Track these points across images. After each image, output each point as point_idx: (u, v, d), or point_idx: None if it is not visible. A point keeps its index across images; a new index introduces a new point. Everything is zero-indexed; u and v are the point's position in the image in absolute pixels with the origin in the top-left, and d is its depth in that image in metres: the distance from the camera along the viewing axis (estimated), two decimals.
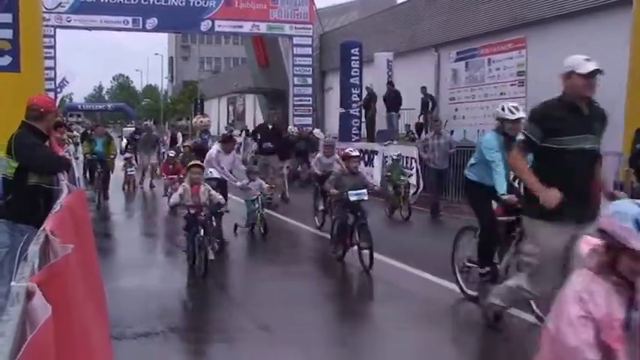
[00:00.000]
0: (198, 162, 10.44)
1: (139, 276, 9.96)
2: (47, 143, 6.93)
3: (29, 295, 2.14)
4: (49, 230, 3.26)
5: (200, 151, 24.27)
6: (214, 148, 12.94)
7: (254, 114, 53.14)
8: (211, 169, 12.09)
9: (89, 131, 23.84)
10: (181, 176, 14.60)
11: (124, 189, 20.82)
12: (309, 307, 8.07)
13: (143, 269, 10.44)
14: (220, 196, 10.18)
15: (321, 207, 13.85)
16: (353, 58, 28.30)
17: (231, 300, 8.55)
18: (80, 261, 3.91)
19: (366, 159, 22.12)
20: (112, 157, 17.79)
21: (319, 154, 15.30)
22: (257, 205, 12.79)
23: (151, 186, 21.99)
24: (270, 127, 19.54)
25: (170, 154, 18.27)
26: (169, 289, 8.87)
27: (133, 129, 34.37)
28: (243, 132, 33.21)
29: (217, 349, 6.58)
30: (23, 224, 6.23)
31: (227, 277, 9.89)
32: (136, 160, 22.90)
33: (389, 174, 16.79)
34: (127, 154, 23.23)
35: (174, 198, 9.71)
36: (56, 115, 7.10)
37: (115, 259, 11.27)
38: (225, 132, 18.13)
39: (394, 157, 17.34)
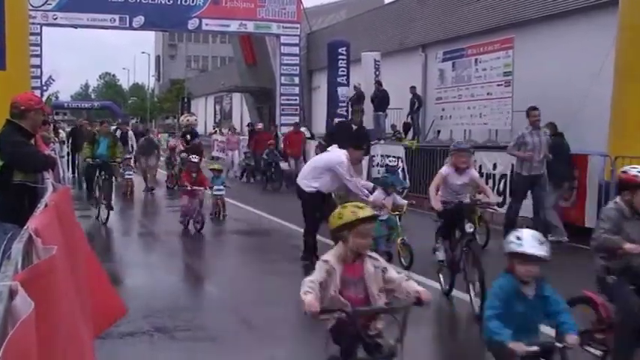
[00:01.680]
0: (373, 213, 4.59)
1: (125, 276, 9.94)
2: (33, 141, 6.89)
3: (12, 294, 2.13)
4: (33, 230, 3.24)
5: (195, 150, 24.20)
6: (341, 154, 10.08)
7: (241, 113, 53.09)
8: (315, 184, 10.07)
9: (86, 127, 23.46)
10: (206, 189, 13.97)
11: (126, 195, 19.19)
12: (295, 306, 8.06)
13: (129, 269, 10.42)
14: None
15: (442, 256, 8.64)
16: (340, 57, 28.33)
17: (216, 299, 8.53)
18: (65, 260, 3.89)
19: None
20: (118, 160, 15.30)
21: (444, 170, 8.71)
22: (384, 228, 10.00)
23: (151, 190, 20.73)
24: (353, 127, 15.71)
25: (193, 159, 14.46)
26: (155, 288, 8.84)
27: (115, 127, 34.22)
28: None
29: (203, 348, 6.56)
30: (7, 222, 6.19)
31: (213, 276, 9.87)
32: (135, 163, 21.51)
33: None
34: (126, 155, 21.50)
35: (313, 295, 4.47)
36: (43, 114, 7.04)
37: (101, 258, 11.22)
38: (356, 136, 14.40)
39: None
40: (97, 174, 14.55)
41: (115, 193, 16.43)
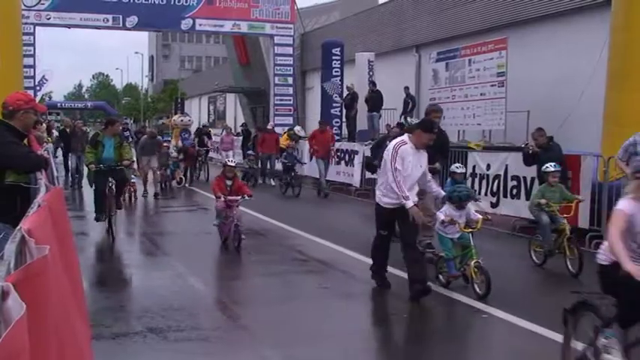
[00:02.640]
0: None
1: (118, 276, 9.92)
2: (26, 141, 6.87)
3: (4, 295, 2.12)
4: (26, 230, 3.23)
5: (186, 153, 24.00)
6: (398, 140, 8.73)
7: (235, 113, 53.07)
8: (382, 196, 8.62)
9: (80, 128, 23.22)
10: (246, 197, 11.56)
11: (130, 201, 17.97)
12: (289, 307, 8.07)
13: (122, 269, 10.40)
14: None
15: None
16: (334, 57, 28.35)
17: (209, 299, 8.52)
18: (59, 260, 3.88)
19: (347, 159, 22.15)
20: (126, 163, 12.90)
21: (627, 206, 5.10)
22: (457, 248, 8.78)
23: (155, 195, 19.45)
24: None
25: (230, 163, 12.27)
26: (148, 289, 8.83)
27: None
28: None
29: (196, 349, 6.55)
30: (0, 223, 6.17)
31: (206, 276, 9.86)
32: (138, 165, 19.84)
33: None
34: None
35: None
36: (35, 113, 7.00)
37: (95, 259, 11.22)
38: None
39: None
40: (108, 182, 12.45)
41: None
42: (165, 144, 21.90)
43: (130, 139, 26.08)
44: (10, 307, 2.09)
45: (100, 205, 12.57)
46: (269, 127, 26.32)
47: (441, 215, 8.64)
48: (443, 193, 8.99)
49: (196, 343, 6.63)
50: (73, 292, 4.39)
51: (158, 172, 20.17)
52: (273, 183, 23.32)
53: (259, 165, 24.67)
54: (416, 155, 8.37)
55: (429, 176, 8.87)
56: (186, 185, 22.91)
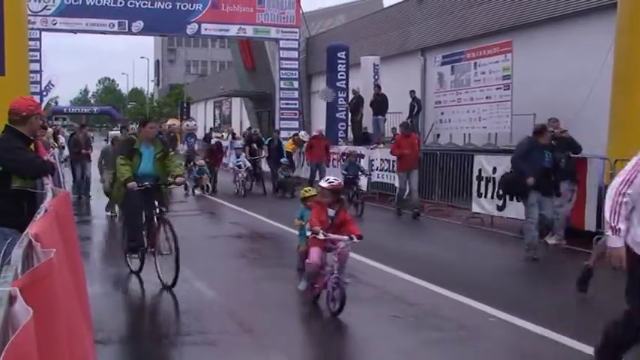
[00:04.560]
0: None
1: (125, 280, 9.93)
2: (32, 146, 6.89)
3: (11, 299, 2.12)
4: (33, 235, 3.24)
5: (211, 156, 23.28)
6: None
7: (240, 117, 53.12)
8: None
9: (85, 133, 22.62)
10: (354, 240, 7.64)
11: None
12: (295, 311, 8.07)
13: (128, 273, 10.41)
14: None
15: None
16: (339, 61, 28.37)
17: (216, 303, 8.53)
18: (66, 264, 3.89)
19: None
20: (179, 181, 9.46)
21: None
22: None
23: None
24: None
25: (333, 181, 8.15)
26: (154, 293, 8.83)
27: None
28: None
29: (202, 353, 6.55)
30: (7, 228, 6.19)
31: (213, 280, 9.86)
32: None
33: None
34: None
35: None
36: (41, 118, 7.03)
37: (100, 264, 11.23)
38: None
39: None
40: (147, 207, 9.14)
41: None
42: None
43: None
44: (17, 312, 2.09)
45: (136, 238, 9.16)
46: (316, 132, 23.22)
47: None
48: None
49: (203, 348, 6.63)
50: (78, 297, 4.40)
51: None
52: None
53: (293, 173, 23.01)
54: None
55: None
56: (206, 194, 21.42)
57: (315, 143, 21.82)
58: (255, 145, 24.29)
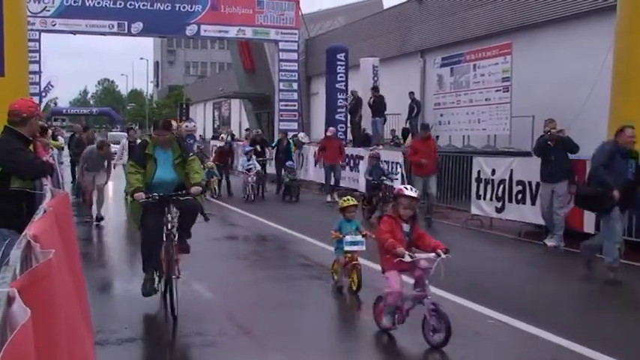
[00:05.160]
0: None
1: (124, 282, 9.92)
2: (31, 147, 6.89)
3: (10, 300, 2.12)
4: (32, 236, 3.23)
5: (220, 158, 22.73)
6: None
7: (239, 119, 53.14)
8: None
9: (90, 135, 22.31)
10: (443, 256, 6.54)
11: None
12: (294, 313, 8.06)
13: (128, 275, 10.40)
14: None
15: None
16: (339, 63, 28.37)
17: (215, 305, 8.52)
18: (65, 266, 3.88)
19: (352, 164, 22.16)
20: (194, 191, 7.76)
21: None
22: None
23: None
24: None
25: (410, 192, 6.95)
26: (153, 295, 8.82)
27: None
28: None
29: (201, 355, 6.55)
30: (5, 228, 6.19)
31: (212, 282, 9.86)
32: None
33: None
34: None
35: None
36: (40, 119, 7.04)
37: (100, 264, 11.22)
38: None
39: None
40: (164, 220, 7.78)
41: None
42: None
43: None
44: (15, 313, 2.09)
45: (151, 258, 7.97)
46: (329, 133, 21.99)
47: None
48: None
49: (201, 349, 6.62)
50: (78, 298, 4.40)
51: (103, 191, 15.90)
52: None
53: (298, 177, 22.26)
54: None
55: None
56: (214, 197, 20.72)
57: (329, 144, 20.93)
58: (259, 147, 23.04)
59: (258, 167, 21.26)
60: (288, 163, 21.94)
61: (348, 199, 9.18)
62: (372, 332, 7.20)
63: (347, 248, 8.82)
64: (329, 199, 20.00)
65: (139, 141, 18.84)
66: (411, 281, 6.87)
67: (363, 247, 8.83)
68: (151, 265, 7.99)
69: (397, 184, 19.05)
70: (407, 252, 6.46)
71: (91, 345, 4.86)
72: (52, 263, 2.76)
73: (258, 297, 8.82)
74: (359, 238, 8.84)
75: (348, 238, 8.79)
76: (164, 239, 7.74)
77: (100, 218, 15.18)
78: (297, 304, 8.49)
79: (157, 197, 7.61)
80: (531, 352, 6.54)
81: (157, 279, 8.04)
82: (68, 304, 3.51)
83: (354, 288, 8.70)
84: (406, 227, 6.80)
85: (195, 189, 7.73)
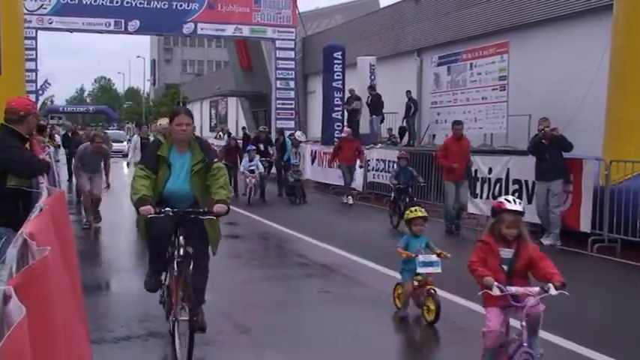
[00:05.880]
0: None
1: (120, 280, 9.92)
2: (27, 145, 6.89)
3: (6, 298, 2.12)
4: (28, 234, 3.23)
5: (228, 156, 22.05)
6: None
7: (236, 117, 53.12)
8: None
9: (88, 134, 22.11)
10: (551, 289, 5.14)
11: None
12: (291, 311, 8.07)
13: (124, 273, 10.39)
14: None
15: None
16: (336, 61, 28.37)
17: (212, 303, 8.52)
18: (61, 263, 3.88)
19: None
20: (219, 210, 6.04)
21: None
22: None
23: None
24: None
25: (515, 207, 5.36)
26: (150, 293, 8.81)
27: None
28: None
29: (198, 353, 6.54)
30: (1, 227, 6.19)
31: (210, 281, 9.86)
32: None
33: None
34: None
35: None
36: (36, 117, 7.03)
37: (96, 262, 11.21)
38: None
39: None
40: (177, 242, 6.16)
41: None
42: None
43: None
44: (11, 311, 2.09)
45: (150, 286, 6.70)
46: (344, 134, 21.31)
47: None
48: None
49: (198, 348, 6.61)
50: (73, 296, 4.40)
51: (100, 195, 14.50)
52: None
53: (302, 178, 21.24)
54: None
55: None
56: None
57: (345, 145, 20.05)
58: (262, 146, 21.84)
59: (261, 169, 20.25)
60: (293, 161, 21.47)
61: (416, 210, 7.88)
62: (370, 330, 7.21)
63: (420, 270, 7.45)
64: (345, 200, 19.64)
65: (152, 138, 18.10)
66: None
67: (439, 269, 7.45)
68: (152, 290, 6.77)
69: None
70: (496, 284, 5.11)
71: (87, 343, 4.86)
72: (47, 260, 2.76)
73: (256, 296, 8.82)
74: (433, 257, 7.49)
75: (420, 257, 7.42)
76: (175, 267, 6.02)
77: (95, 228, 13.99)
78: (294, 303, 8.49)
79: (172, 213, 5.93)
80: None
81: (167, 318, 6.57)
82: (64, 302, 3.51)
83: (430, 318, 7.33)
84: (507, 252, 5.37)
85: (219, 207, 5.98)
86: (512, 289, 5.12)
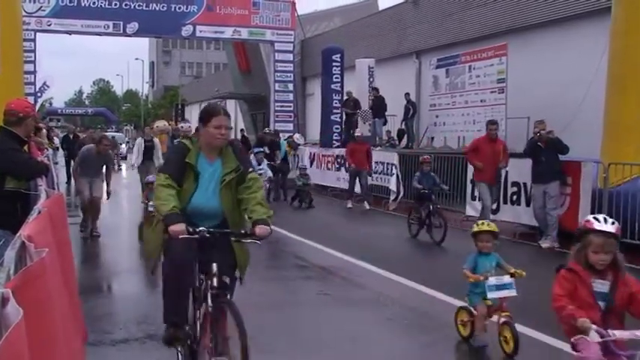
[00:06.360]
0: None
1: (118, 282, 9.91)
2: (26, 148, 6.89)
3: (3, 301, 2.12)
4: (26, 236, 3.23)
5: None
6: None
7: (235, 119, 53.11)
8: None
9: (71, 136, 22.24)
10: None
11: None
12: (288, 313, 8.06)
13: (121, 276, 10.38)
14: None
15: None
16: (334, 64, 28.36)
17: None
18: (58, 265, 3.88)
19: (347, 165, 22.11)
20: (262, 232, 5.04)
21: None
22: None
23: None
24: None
25: (606, 227, 4.33)
26: (147, 295, 8.81)
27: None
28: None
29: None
30: (0, 229, 6.18)
31: None
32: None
33: None
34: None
35: None
36: (35, 120, 7.04)
37: (95, 265, 11.20)
38: None
39: None
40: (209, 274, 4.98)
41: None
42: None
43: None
44: (9, 313, 2.09)
45: (172, 323, 5.47)
46: (357, 135, 20.91)
47: None
48: None
49: None
50: (69, 298, 4.40)
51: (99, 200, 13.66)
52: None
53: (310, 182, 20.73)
54: None
55: None
56: None
57: (356, 148, 19.73)
58: (267, 149, 21.17)
59: (270, 174, 19.81)
60: (301, 165, 21.24)
61: (483, 223, 6.96)
62: (367, 332, 7.20)
63: (491, 295, 6.50)
64: (349, 205, 19.37)
65: (156, 140, 16.73)
66: None
67: (514, 292, 6.55)
68: (174, 333, 5.42)
69: (392, 185, 19.16)
70: (594, 326, 4.14)
71: (80, 345, 4.85)
72: (45, 263, 2.76)
73: (252, 298, 8.81)
74: (506, 279, 6.54)
75: (492, 280, 6.48)
76: (209, 301, 4.92)
77: (95, 235, 13.38)
78: (291, 304, 8.48)
79: (207, 234, 4.82)
80: (526, 352, 6.53)
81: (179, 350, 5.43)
82: (60, 303, 3.51)
83: (509, 350, 6.40)
84: (601, 285, 4.35)
85: (262, 230, 4.99)
86: (617, 334, 4.11)
